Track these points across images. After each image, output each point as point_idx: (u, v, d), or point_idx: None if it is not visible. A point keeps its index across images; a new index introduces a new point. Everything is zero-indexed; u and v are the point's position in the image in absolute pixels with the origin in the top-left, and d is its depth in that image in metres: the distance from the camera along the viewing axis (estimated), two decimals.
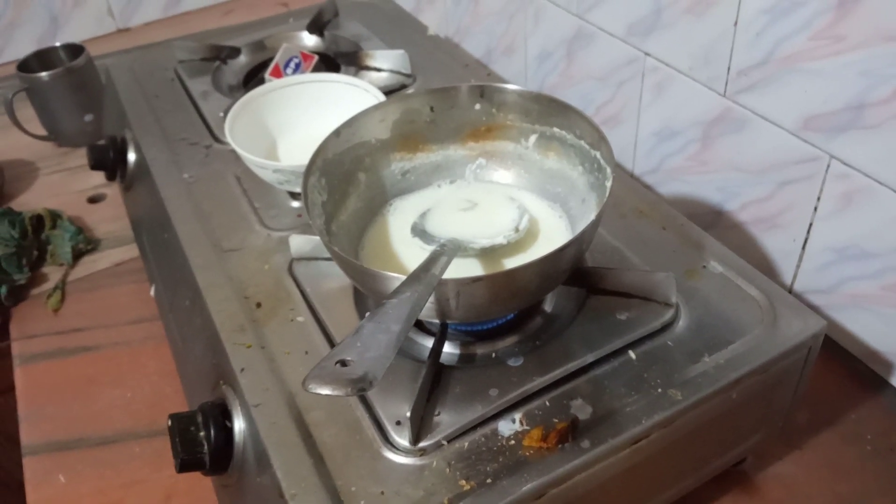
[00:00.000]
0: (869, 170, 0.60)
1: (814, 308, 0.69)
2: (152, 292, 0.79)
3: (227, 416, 0.53)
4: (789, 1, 0.60)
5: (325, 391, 0.32)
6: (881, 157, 0.58)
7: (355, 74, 0.82)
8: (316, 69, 0.84)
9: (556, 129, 0.59)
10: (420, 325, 0.56)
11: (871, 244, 0.62)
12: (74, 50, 1.06)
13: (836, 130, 0.61)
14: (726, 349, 0.51)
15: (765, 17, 0.62)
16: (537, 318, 0.56)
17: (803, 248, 0.68)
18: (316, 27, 0.94)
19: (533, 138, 0.61)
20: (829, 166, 0.63)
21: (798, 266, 0.70)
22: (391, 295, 0.41)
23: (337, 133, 0.57)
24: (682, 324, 0.54)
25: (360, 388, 0.32)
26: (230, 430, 0.52)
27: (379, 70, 0.85)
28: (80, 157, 0.99)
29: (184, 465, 0.52)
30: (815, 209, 0.65)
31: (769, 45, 0.63)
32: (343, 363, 0.34)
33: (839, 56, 0.58)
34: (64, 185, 1.02)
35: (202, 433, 0.52)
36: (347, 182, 0.59)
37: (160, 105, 0.85)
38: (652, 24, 0.75)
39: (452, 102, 0.61)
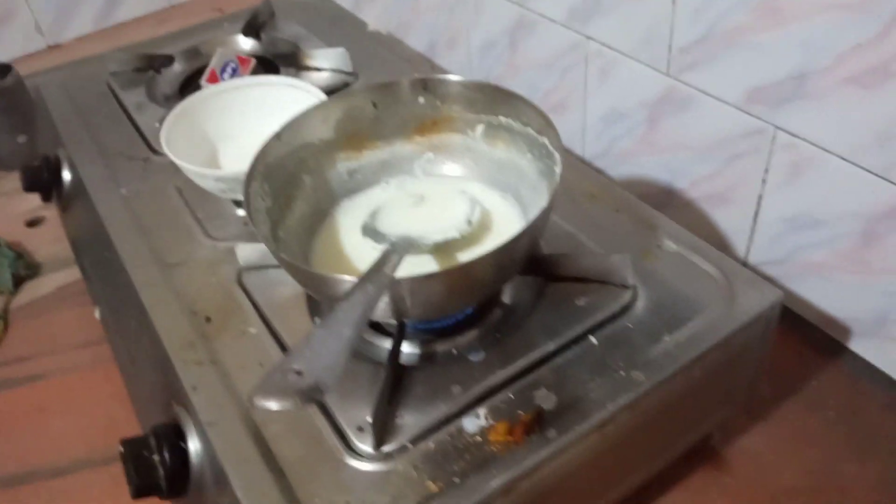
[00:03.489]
0: (814, 138, 0.60)
1: (769, 279, 0.69)
2: (97, 315, 0.76)
3: (181, 437, 0.51)
4: None
5: (273, 405, 0.31)
6: (825, 125, 0.59)
7: (296, 75, 0.80)
8: (254, 73, 0.82)
9: (502, 118, 0.58)
10: (378, 327, 0.54)
11: (821, 212, 0.62)
12: (2, 69, 1.01)
13: (780, 102, 0.61)
14: (686, 327, 0.51)
15: None
16: (496, 310, 0.55)
17: (755, 220, 0.69)
18: (252, 29, 0.92)
19: (480, 129, 0.60)
20: (774, 138, 0.63)
21: (751, 239, 0.70)
22: (342, 298, 0.39)
23: (278, 136, 0.55)
24: (640, 305, 0.53)
25: (311, 398, 0.31)
26: (185, 452, 0.50)
27: (320, 70, 0.83)
28: (15, 180, 0.95)
29: (139, 492, 0.50)
30: (764, 181, 0.66)
31: (709, 21, 0.63)
32: (292, 373, 0.32)
33: (778, 28, 0.58)
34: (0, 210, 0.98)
35: (156, 457, 0.50)
36: (292, 186, 0.57)
37: (94, 120, 0.82)
38: (592, 7, 0.75)
39: (396, 97, 0.60)
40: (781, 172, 0.64)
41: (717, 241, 0.73)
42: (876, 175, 0.57)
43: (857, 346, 0.66)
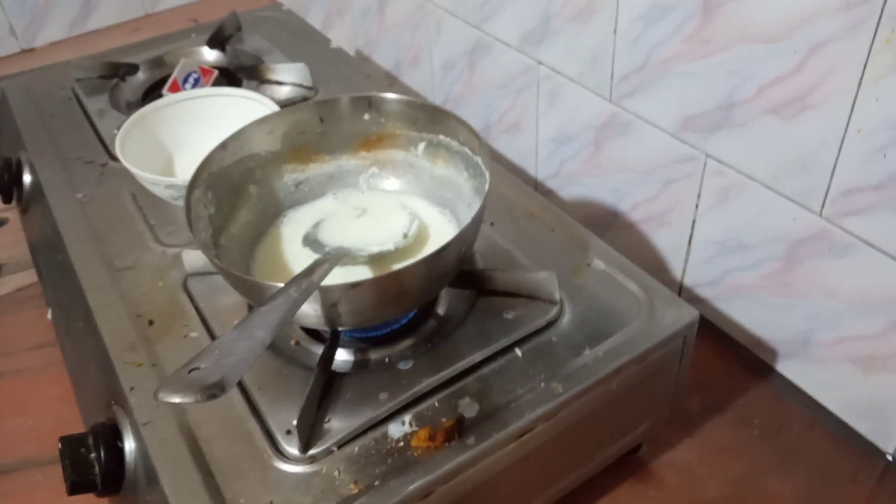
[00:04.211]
0: (740, 166, 0.63)
1: (702, 300, 0.72)
2: (49, 316, 0.77)
3: (118, 436, 0.52)
4: (660, 8, 0.63)
5: (175, 399, 0.33)
6: (749, 154, 0.62)
7: (257, 88, 0.82)
8: (216, 84, 0.84)
9: (441, 137, 0.60)
10: (316, 335, 0.56)
11: (748, 236, 0.65)
12: None
13: (710, 130, 0.64)
14: (606, 342, 0.54)
15: (640, 24, 0.65)
16: (430, 321, 0.57)
17: (689, 243, 0.71)
18: (217, 42, 0.94)
19: (422, 146, 0.62)
20: (705, 164, 0.66)
21: (686, 261, 0.73)
22: (263, 303, 0.41)
23: (223, 146, 0.57)
24: (566, 319, 0.56)
25: (212, 394, 0.33)
26: (121, 451, 0.52)
27: (281, 83, 0.86)
28: None
29: (74, 488, 0.51)
30: (697, 206, 0.69)
31: (646, 50, 0.66)
32: (197, 370, 0.34)
33: (708, 58, 0.61)
34: None
35: (93, 455, 0.52)
36: (237, 195, 0.59)
37: (56, 125, 0.83)
38: (542, 33, 0.78)
39: (342, 113, 0.62)
40: (712, 198, 0.67)
41: (657, 263, 0.76)
42: (795, 202, 0.60)
43: (782, 366, 0.69)
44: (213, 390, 0.33)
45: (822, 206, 0.58)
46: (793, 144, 0.58)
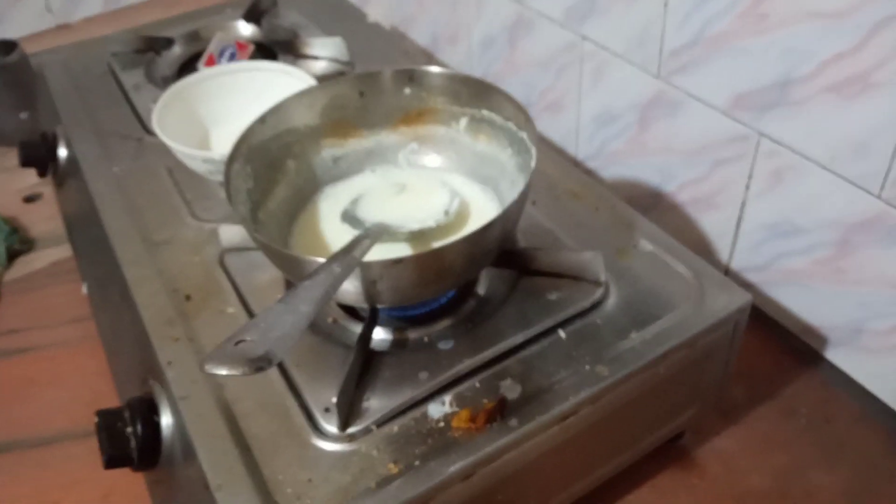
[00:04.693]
0: (796, 146, 0.60)
1: (749, 285, 0.70)
2: (84, 290, 0.77)
3: (154, 410, 0.52)
4: None
5: (222, 371, 0.32)
6: (807, 133, 0.59)
7: (293, 63, 0.81)
8: (252, 58, 0.83)
9: (485, 112, 0.59)
10: (355, 313, 0.55)
11: (801, 220, 0.63)
12: (7, 46, 1.03)
13: (764, 108, 0.61)
14: (654, 325, 0.52)
15: None
16: (470, 301, 0.55)
17: (738, 226, 0.69)
18: (253, 16, 0.93)
19: (464, 121, 0.60)
20: (758, 144, 0.63)
21: (734, 244, 0.71)
22: (306, 278, 0.40)
23: (262, 120, 0.56)
24: (611, 302, 0.54)
25: (259, 366, 0.32)
26: (157, 425, 0.51)
27: (317, 58, 0.84)
28: (16, 156, 0.97)
29: (111, 462, 0.51)
30: (748, 187, 0.66)
31: (698, 26, 0.64)
32: (244, 343, 0.33)
33: (764, 34, 0.59)
34: None
35: (129, 429, 0.51)
36: (275, 169, 0.58)
37: (92, 99, 0.83)
38: (588, 8, 0.75)
39: (382, 87, 0.60)
40: (764, 179, 0.64)
41: (702, 246, 0.74)
42: (853, 184, 0.57)
43: (832, 355, 0.67)
44: (260, 363, 0.32)
45: (882, 188, 0.55)
46: (853, 124, 0.55)
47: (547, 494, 0.53)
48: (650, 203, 0.78)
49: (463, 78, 0.58)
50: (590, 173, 0.85)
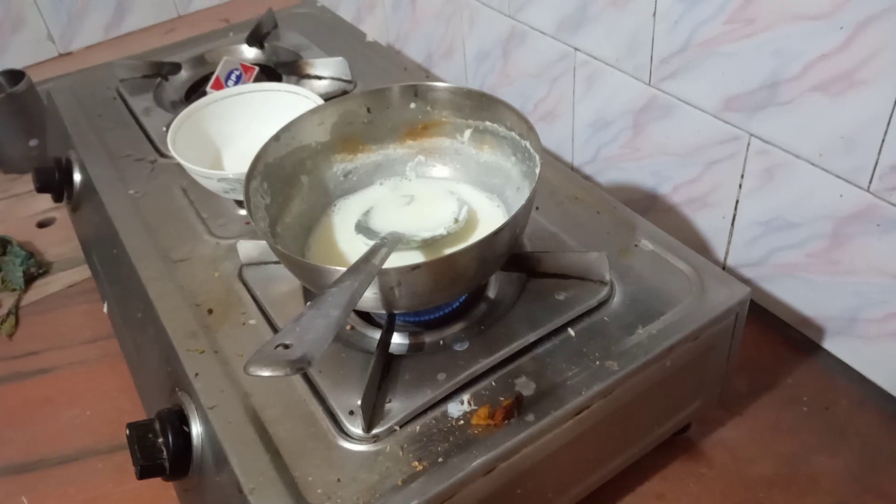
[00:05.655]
0: (786, 144, 0.63)
1: (747, 281, 0.73)
2: (105, 309, 0.79)
3: (184, 420, 0.54)
4: None
5: (265, 373, 0.34)
6: (796, 132, 0.62)
7: (297, 83, 0.83)
8: (257, 80, 0.86)
9: (488, 123, 0.61)
10: (370, 320, 0.57)
11: (794, 215, 0.66)
12: (15, 76, 1.05)
13: (754, 109, 0.64)
14: (658, 320, 0.54)
15: (680, 6, 0.66)
16: (482, 304, 0.58)
17: (732, 224, 0.72)
18: (255, 39, 0.95)
19: (468, 133, 0.63)
20: (749, 144, 0.66)
21: (729, 242, 0.73)
22: (331, 285, 0.42)
23: (276, 138, 0.59)
24: (617, 299, 0.56)
25: (299, 367, 0.34)
26: (188, 435, 0.53)
27: (320, 78, 0.87)
28: (27, 182, 0.99)
29: (144, 472, 0.53)
30: (740, 186, 0.69)
31: (687, 32, 0.67)
32: (283, 346, 0.36)
33: (751, 38, 0.61)
34: (11, 211, 1.02)
35: (160, 440, 0.53)
36: (290, 185, 0.61)
37: (103, 124, 0.85)
38: (579, 19, 0.78)
39: (388, 102, 0.63)
40: (756, 177, 0.67)
41: (699, 244, 0.76)
42: (843, 179, 0.60)
43: (829, 344, 0.69)
44: (300, 364, 0.34)
45: (870, 181, 0.58)
46: (840, 121, 0.58)
47: (563, 487, 0.55)
48: (647, 205, 0.81)
49: (466, 91, 0.61)
50: (587, 179, 0.88)
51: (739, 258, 0.73)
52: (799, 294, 0.69)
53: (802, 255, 0.66)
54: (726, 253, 0.74)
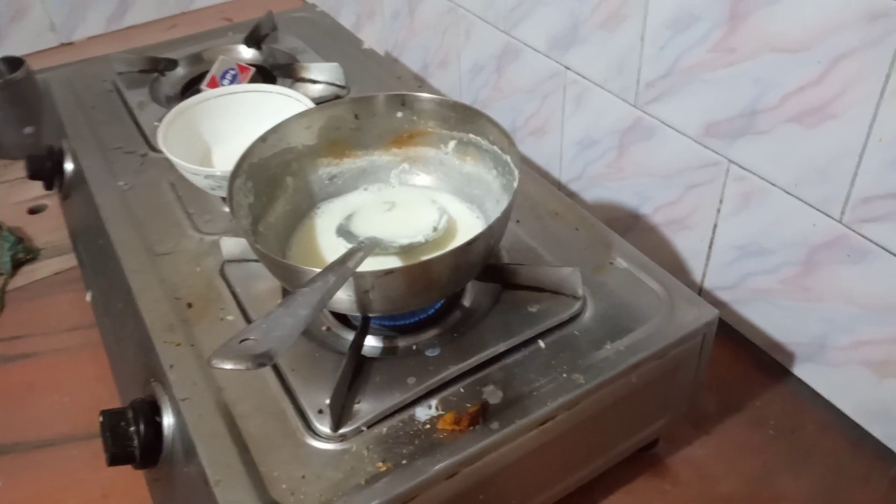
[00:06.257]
0: (762, 172, 0.65)
1: (721, 303, 0.74)
2: (88, 298, 0.80)
3: (156, 411, 0.55)
4: (687, 16, 0.65)
5: (228, 365, 0.35)
6: (773, 160, 0.63)
7: (291, 86, 0.84)
8: (252, 81, 0.87)
9: (472, 136, 0.63)
10: (347, 322, 0.59)
11: (768, 241, 0.67)
12: (14, 63, 1.06)
13: (733, 136, 0.66)
14: (627, 337, 0.55)
15: (667, 32, 0.67)
16: (456, 312, 0.59)
17: (710, 247, 0.73)
18: (253, 40, 0.97)
19: (452, 144, 0.64)
20: (728, 170, 0.68)
21: (706, 264, 0.75)
22: (304, 285, 0.44)
23: (263, 138, 0.60)
24: (588, 314, 0.58)
25: (261, 362, 0.35)
26: (159, 425, 0.54)
27: (314, 82, 0.88)
28: (21, 169, 0.99)
29: (114, 459, 0.54)
30: (719, 210, 0.70)
31: (672, 58, 0.68)
32: (248, 341, 0.37)
33: (733, 66, 0.63)
34: (3, 196, 1.02)
35: (132, 428, 0.54)
36: (275, 186, 0.62)
37: (97, 116, 0.86)
38: (570, 39, 0.80)
39: (376, 110, 0.64)
40: (734, 202, 0.68)
41: (677, 265, 0.78)
42: (816, 209, 0.61)
43: (798, 369, 0.71)
44: (262, 359, 0.35)
45: (842, 212, 0.59)
46: (815, 152, 0.59)
47: (527, 495, 0.56)
48: (628, 224, 0.82)
49: (451, 104, 0.62)
50: (572, 195, 0.89)
51: (715, 281, 0.74)
52: (770, 318, 0.71)
53: (775, 280, 0.68)
54: (703, 275, 0.76)
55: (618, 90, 0.76)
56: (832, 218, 0.60)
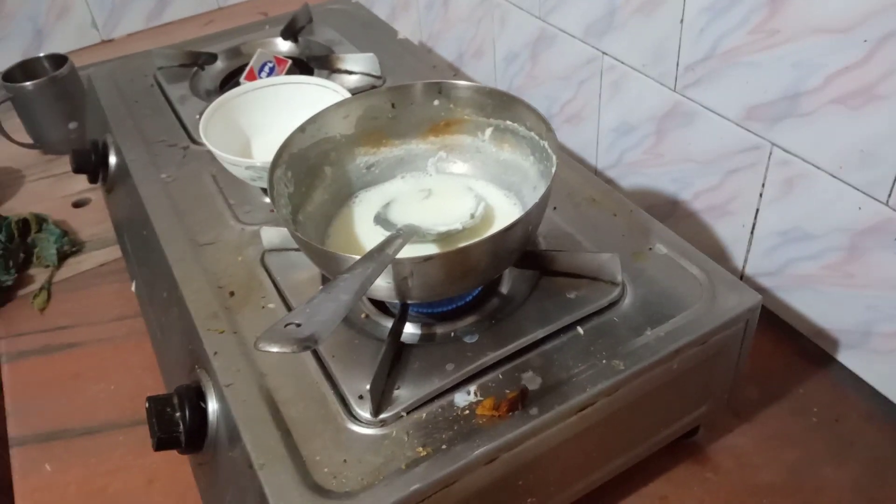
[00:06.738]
0: (806, 155, 0.63)
1: (763, 290, 0.73)
2: (133, 287, 0.82)
3: (201, 397, 0.56)
4: None
5: (274, 349, 0.36)
6: (816, 143, 0.62)
7: (328, 77, 0.85)
8: (290, 73, 0.88)
9: (508, 122, 0.62)
10: (385, 309, 0.59)
11: (812, 226, 0.66)
12: (58, 60, 1.09)
13: (776, 119, 0.64)
14: (667, 323, 0.55)
15: (707, 15, 0.66)
16: (494, 299, 0.59)
17: (752, 233, 0.72)
18: (290, 33, 0.98)
19: (489, 131, 0.64)
20: (770, 154, 0.66)
21: (748, 250, 0.73)
22: (344, 271, 0.44)
23: (302, 129, 0.60)
24: (627, 301, 0.57)
25: (306, 345, 0.36)
26: (204, 411, 0.55)
27: (350, 73, 0.89)
28: (65, 163, 1.02)
29: (160, 444, 0.55)
30: (761, 195, 0.69)
31: (712, 41, 0.67)
32: (293, 325, 0.37)
33: (774, 49, 0.62)
34: (49, 190, 1.05)
35: (178, 414, 0.55)
36: (313, 175, 0.62)
37: (140, 110, 0.88)
38: (607, 24, 0.79)
39: (412, 99, 0.64)
40: (776, 187, 0.67)
41: (718, 252, 0.77)
42: (861, 191, 0.60)
43: (842, 356, 0.69)
44: (307, 342, 0.36)
45: (889, 195, 0.58)
46: (860, 134, 0.58)
47: (566, 482, 0.56)
48: (667, 211, 0.81)
49: (488, 90, 0.62)
50: (609, 182, 0.89)
51: (757, 267, 0.73)
52: (814, 305, 0.70)
53: (818, 266, 0.67)
54: (744, 262, 0.74)
55: (656, 75, 0.75)
56: (879, 201, 0.59)
